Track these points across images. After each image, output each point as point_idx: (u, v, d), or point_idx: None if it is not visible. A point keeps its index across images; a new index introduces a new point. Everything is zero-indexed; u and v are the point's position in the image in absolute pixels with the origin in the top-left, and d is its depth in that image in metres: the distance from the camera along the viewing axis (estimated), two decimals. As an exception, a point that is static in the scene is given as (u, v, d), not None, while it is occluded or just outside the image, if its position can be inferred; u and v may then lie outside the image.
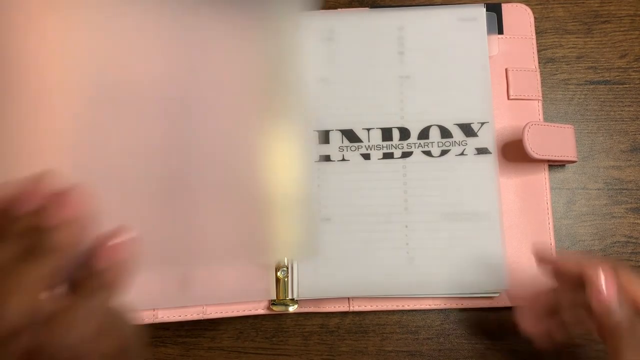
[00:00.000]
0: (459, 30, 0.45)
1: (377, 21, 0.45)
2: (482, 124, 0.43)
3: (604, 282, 0.30)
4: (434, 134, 0.43)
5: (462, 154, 0.43)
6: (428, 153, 0.43)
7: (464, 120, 0.43)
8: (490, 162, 0.43)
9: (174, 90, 0.38)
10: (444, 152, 0.43)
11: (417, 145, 0.43)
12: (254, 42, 0.37)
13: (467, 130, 0.43)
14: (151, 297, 0.38)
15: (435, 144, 0.43)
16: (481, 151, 0.43)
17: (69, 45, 0.37)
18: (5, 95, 0.36)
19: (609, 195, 0.45)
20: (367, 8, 0.47)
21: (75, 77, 0.37)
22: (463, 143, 0.43)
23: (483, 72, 0.44)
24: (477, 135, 0.43)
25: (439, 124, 0.43)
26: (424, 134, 0.43)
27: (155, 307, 0.38)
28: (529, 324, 0.36)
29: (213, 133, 0.37)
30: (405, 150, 0.43)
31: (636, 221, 0.45)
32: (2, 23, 0.37)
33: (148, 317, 0.38)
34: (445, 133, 0.43)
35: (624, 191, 0.45)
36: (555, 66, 0.47)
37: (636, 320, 0.30)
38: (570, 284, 0.33)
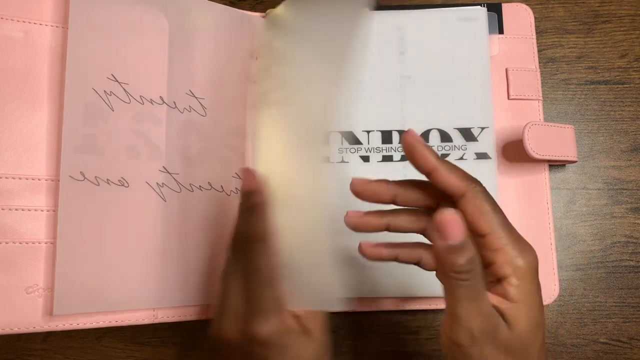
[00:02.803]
0: (460, 31, 0.44)
1: (377, 21, 0.45)
2: (483, 128, 0.43)
3: (449, 227, 0.27)
4: (434, 137, 0.43)
5: (461, 158, 0.43)
6: None
7: (464, 124, 0.43)
8: (490, 168, 0.43)
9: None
10: (443, 156, 0.43)
11: None
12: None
13: (467, 134, 0.43)
14: (151, 297, 0.38)
15: (435, 148, 0.43)
16: (481, 156, 0.43)
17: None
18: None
19: (609, 195, 0.45)
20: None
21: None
22: (463, 148, 0.43)
23: (484, 74, 0.44)
24: (477, 140, 0.43)
25: (439, 127, 0.43)
26: (424, 137, 0.43)
27: (155, 307, 0.38)
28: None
29: None
30: None
31: (636, 221, 0.45)
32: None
33: (148, 317, 0.38)
34: (445, 137, 0.43)
35: (624, 191, 0.45)
36: (555, 66, 0.47)
37: (475, 268, 0.27)
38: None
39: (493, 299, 0.29)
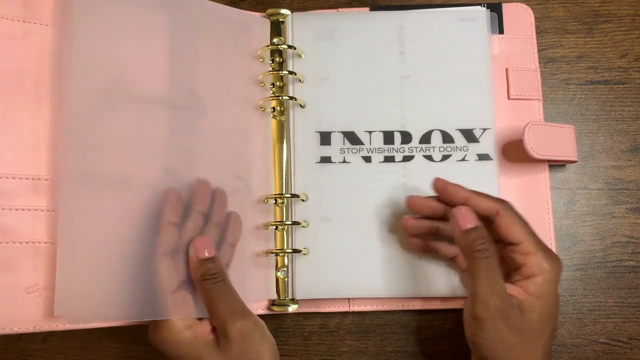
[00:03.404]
0: (460, 31, 0.44)
1: (378, 21, 0.45)
2: (484, 130, 0.43)
3: (462, 215, 0.35)
4: (436, 138, 0.43)
5: (463, 159, 0.43)
6: (429, 157, 0.43)
7: (466, 125, 0.43)
8: (491, 169, 0.43)
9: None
10: (445, 157, 0.43)
11: (418, 149, 0.43)
12: None
13: (469, 135, 0.43)
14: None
15: (436, 149, 0.43)
16: (482, 157, 0.43)
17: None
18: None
19: (610, 195, 0.45)
20: (367, 8, 0.47)
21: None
22: (464, 149, 0.43)
23: (485, 74, 0.44)
24: (478, 141, 0.43)
25: (441, 128, 0.43)
26: (426, 138, 0.43)
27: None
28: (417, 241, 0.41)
29: None
30: (407, 154, 0.43)
31: (636, 221, 0.45)
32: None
33: (148, 317, 0.38)
34: (447, 138, 0.43)
35: (625, 191, 0.45)
36: (555, 66, 0.47)
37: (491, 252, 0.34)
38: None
39: (514, 290, 0.35)
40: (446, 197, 0.38)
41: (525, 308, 0.35)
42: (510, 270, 0.37)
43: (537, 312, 0.35)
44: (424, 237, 0.41)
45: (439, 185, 0.38)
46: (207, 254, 0.36)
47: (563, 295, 0.44)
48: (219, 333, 0.35)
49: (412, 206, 0.39)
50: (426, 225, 0.40)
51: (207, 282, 0.35)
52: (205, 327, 0.35)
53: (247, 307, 0.36)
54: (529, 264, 0.35)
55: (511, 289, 0.35)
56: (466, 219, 0.35)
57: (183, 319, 0.35)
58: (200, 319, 0.36)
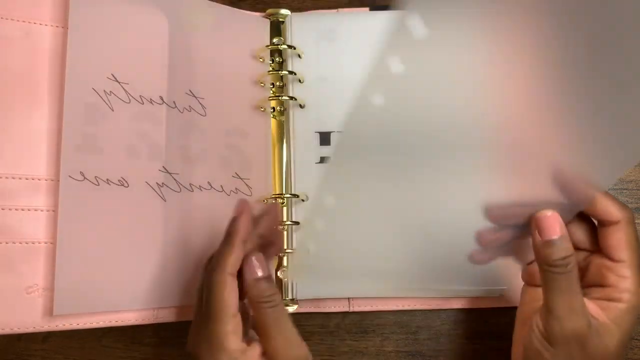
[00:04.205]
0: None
1: (378, 21, 0.45)
2: None
3: (547, 223, 0.31)
4: None
5: None
6: None
7: None
8: None
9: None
10: None
11: None
12: None
13: None
14: (151, 297, 0.38)
15: None
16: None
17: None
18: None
19: (610, 195, 0.45)
20: (367, 8, 0.47)
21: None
22: None
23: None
24: None
25: None
26: None
27: (155, 307, 0.38)
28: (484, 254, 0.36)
29: None
30: None
31: (636, 221, 0.45)
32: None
33: (148, 317, 0.38)
34: None
35: (624, 191, 0.45)
36: (555, 66, 0.47)
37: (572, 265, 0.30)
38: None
39: (593, 308, 0.31)
40: (569, 192, 0.32)
41: (603, 333, 0.31)
42: (589, 282, 0.33)
43: (615, 340, 0.31)
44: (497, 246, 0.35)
45: (563, 178, 0.31)
46: (260, 273, 0.33)
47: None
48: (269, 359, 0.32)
49: (495, 219, 0.33)
50: (507, 237, 0.34)
51: (263, 304, 0.32)
52: (256, 352, 0.32)
53: (300, 337, 0.33)
54: (620, 287, 0.31)
55: (589, 305, 0.31)
56: (552, 229, 0.31)
57: (240, 342, 0.32)
58: (248, 343, 0.34)
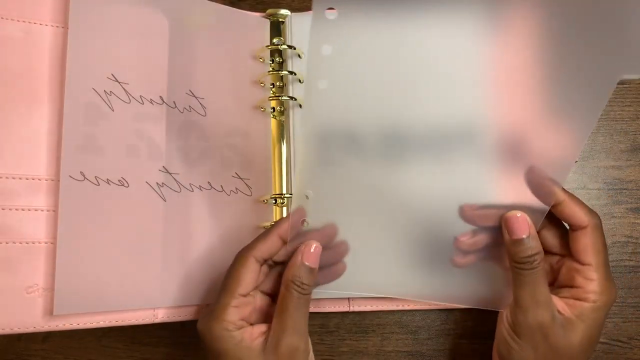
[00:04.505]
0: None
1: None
2: None
3: (517, 222, 0.33)
4: None
5: None
6: None
7: None
8: None
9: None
10: None
11: None
12: None
13: None
14: (151, 297, 0.38)
15: None
16: None
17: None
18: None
19: (609, 195, 0.45)
20: (367, 8, 0.47)
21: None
22: None
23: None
24: None
25: None
26: None
27: (155, 307, 0.38)
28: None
29: None
30: None
31: (636, 221, 0.45)
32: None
33: (148, 317, 0.38)
34: None
35: (624, 191, 0.45)
36: (555, 66, 0.47)
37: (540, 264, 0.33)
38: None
39: (560, 304, 0.34)
40: (538, 194, 0.33)
41: (567, 327, 0.33)
42: (560, 283, 0.35)
43: (579, 335, 0.33)
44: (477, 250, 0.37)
45: (535, 178, 0.33)
46: (311, 264, 0.34)
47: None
48: (272, 340, 0.33)
49: (468, 219, 0.35)
50: (484, 241, 0.36)
51: (293, 287, 0.33)
52: (254, 332, 0.34)
53: (307, 332, 0.34)
54: (587, 289, 0.34)
55: (557, 302, 0.34)
56: (521, 229, 0.33)
57: (239, 318, 0.34)
58: (251, 324, 0.35)
